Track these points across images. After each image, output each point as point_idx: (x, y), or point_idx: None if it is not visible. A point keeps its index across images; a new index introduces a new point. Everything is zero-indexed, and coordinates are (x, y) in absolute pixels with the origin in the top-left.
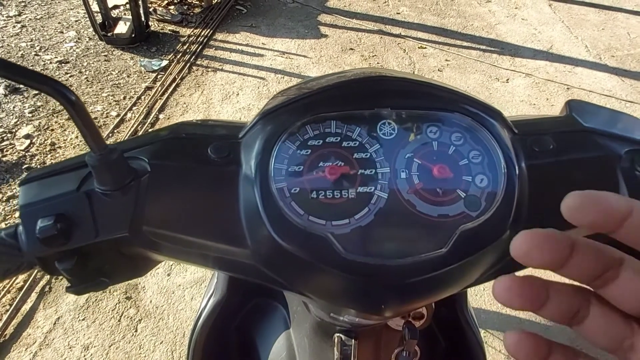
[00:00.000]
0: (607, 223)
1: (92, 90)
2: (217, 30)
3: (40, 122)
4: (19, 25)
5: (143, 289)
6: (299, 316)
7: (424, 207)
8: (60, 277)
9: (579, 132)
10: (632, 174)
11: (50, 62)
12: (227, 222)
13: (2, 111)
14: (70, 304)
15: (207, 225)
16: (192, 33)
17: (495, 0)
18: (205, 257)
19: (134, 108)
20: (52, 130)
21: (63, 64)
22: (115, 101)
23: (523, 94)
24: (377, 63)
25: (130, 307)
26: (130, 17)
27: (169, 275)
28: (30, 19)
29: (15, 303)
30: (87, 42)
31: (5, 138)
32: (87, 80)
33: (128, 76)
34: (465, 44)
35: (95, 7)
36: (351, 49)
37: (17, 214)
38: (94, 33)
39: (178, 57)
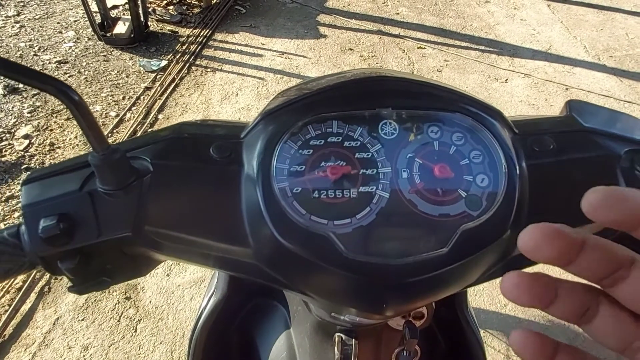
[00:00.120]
0: (629, 220)
1: (91, 91)
2: (216, 30)
3: (39, 122)
4: (17, 25)
5: (142, 289)
6: (300, 316)
7: (425, 207)
8: (60, 278)
9: (578, 132)
10: (631, 174)
11: (49, 62)
12: (229, 221)
13: (1, 111)
14: (69, 304)
15: (209, 224)
16: (191, 33)
17: (494, 1)
18: (207, 256)
19: (133, 108)
20: (51, 130)
21: (62, 64)
22: (114, 101)
23: (522, 94)
24: (376, 63)
25: (130, 308)
26: (129, 17)
27: (168, 275)
28: (29, 19)
29: (14, 303)
30: (86, 42)
31: (4, 138)
32: (86, 81)
33: (127, 76)
34: (464, 44)
35: (94, 7)
36: (350, 49)
37: (16, 214)
38: (93, 33)
39: (177, 57)
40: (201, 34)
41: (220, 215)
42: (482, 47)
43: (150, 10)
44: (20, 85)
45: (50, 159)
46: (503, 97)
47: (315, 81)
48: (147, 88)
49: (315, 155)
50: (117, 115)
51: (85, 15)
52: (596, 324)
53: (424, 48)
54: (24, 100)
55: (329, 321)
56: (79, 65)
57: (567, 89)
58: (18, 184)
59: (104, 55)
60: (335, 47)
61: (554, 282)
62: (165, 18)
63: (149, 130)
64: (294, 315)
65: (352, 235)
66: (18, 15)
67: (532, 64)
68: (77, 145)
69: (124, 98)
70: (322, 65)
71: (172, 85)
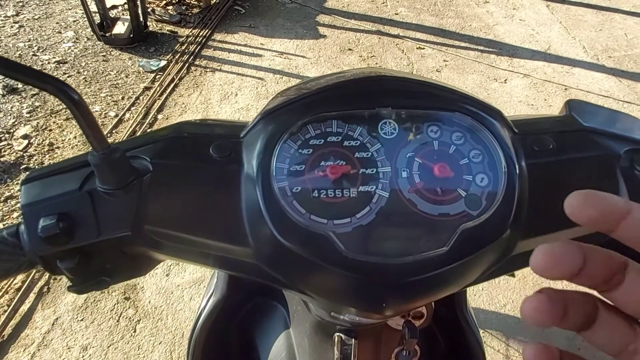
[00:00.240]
0: (606, 221)
1: (91, 91)
2: (216, 30)
3: (38, 123)
4: (16, 25)
5: (142, 289)
6: (299, 316)
7: (424, 206)
8: (59, 278)
9: (578, 132)
10: (631, 173)
11: (48, 62)
12: (229, 221)
13: (0, 111)
14: (68, 304)
15: (209, 224)
16: (190, 33)
17: (493, 1)
18: (207, 256)
19: (132, 108)
20: (50, 130)
21: (61, 64)
22: (113, 101)
23: (521, 95)
24: (376, 63)
25: (129, 308)
26: (128, 17)
27: (167, 275)
28: (28, 19)
29: (13, 304)
30: (85, 42)
31: (3, 138)
32: (86, 81)
33: (126, 76)
34: (463, 44)
35: (93, 7)
36: (350, 49)
37: (15, 215)
38: (92, 33)
39: (176, 57)
40: (200, 34)
41: (220, 215)
42: (482, 48)
43: (149, 10)
44: (19, 85)
45: (49, 159)
46: (502, 98)
47: (315, 81)
48: (147, 88)
49: (315, 154)
50: (117, 116)
51: (85, 16)
52: (594, 330)
53: (423, 48)
54: (23, 100)
55: (328, 321)
56: (78, 65)
57: (566, 89)
58: (17, 184)
59: (103, 56)
60: (335, 47)
61: (563, 298)
62: (165, 18)
63: (148, 130)
64: (294, 315)
65: (351, 234)
66: (17, 15)
67: (531, 64)
68: (77, 145)
69: (123, 98)
70: (322, 65)
71: (172, 86)
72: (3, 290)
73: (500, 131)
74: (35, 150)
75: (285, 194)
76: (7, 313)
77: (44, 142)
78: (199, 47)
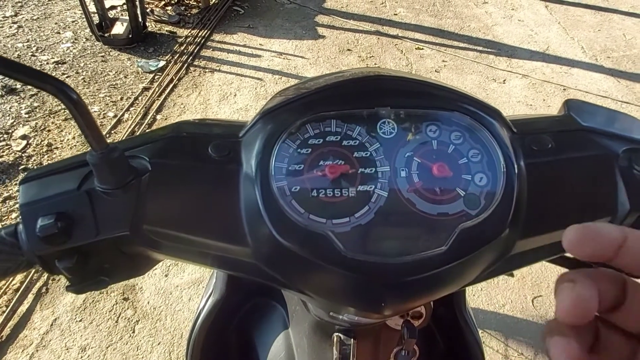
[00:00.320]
0: (604, 254)
1: (89, 91)
2: (215, 31)
3: (36, 123)
4: (15, 25)
5: (140, 290)
6: (298, 316)
7: (423, 206)
8: (58, 279)
9: (577, 131)
10: (629, 173)
11: (47, 63)
12: (228, 220)
13: None
14: (67, 305)
15: (207, 223)
16: (189, 34)
17: (492, 2)
18: (205, 255)
19: (131, 109)
20: (49, 130)
21: (60, 65)
22: (112, 102)
23: (520, 95)
24: (375, 64)
25: (128, 308)
26: (127, 17)
27: (166, 276)
28: (26, 19)
29: (11, 304)
30: (84, 42)
31: (1, 139)
32: (84, 81)
33: (125, 77)
34: (462, 45)
35: (92, 7)
36: (348, 49)
37: (14, 215)
38: (90, 34)
39: (175, 57)
40: (199, 34)
41: (219, 214)
42: (480, 48)
43: (148, 10)
44: (18, 86)
45: (47, 160)
46: (501, 98)
47: (314, 80)
48: (145, 89)
49: (314, 154)
50: (115, 116)
51: (83, 16)
52: (598, 351)
53: (422, 49)
54: (22, 100)
55: (327, 321)
56: (77, 65)
57: (564, 89)
58: (16, 184)
59: (102, 56)
60: (334, 47)
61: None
62: (164, 19)
63: (147, 130)
64: (293, 315)
65: (350, 234)
66: (16, 15)
67: (530, 64)
68: (75, 145)
69: (122, 99)
70: (321, 65)
71: (170, 86)
72: (1, 291)
73: (499, 131)
74: (34, 150)
75: (284, 194)
76: (5, 314)
77: (42, 143)
78: (197, 47)
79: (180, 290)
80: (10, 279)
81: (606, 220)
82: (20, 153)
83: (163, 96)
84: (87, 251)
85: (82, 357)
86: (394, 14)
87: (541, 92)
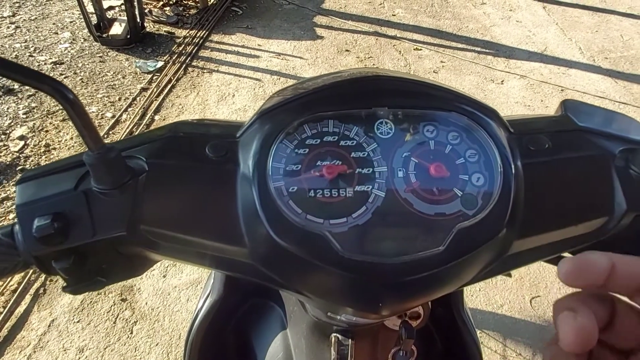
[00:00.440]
0: (597, 282)
1: (87, 92)
2: (213, 31)
3: (34, 124)
4: (13, 26)
5: (138, 291)
6: (296, 316)
7: (421, 206)
8: (56, 280)
9: (573, 132)
10: (626, 173)
11: (45, 63)
12: (225, 221)
13: None
14: (64, 306)
15: (205, 224)
16: (187, 34)
17: (490, 3)
18: (203, 256)
19: (129, 109)
20: (47, 131)
21: (58, 65)
22: (110, 102)
23: (518, 96)
24: (373, 64)
25: (126, 309)
26: (125, 18)
27: (164, 276)
28: (24, 19)
29: (9, 305)
30: (82, 43)
31: None
32: (82, 82)
33: (123, 77)
34: (460, 45)
35: (90, 8)
36: (347, 50)
37: (11, 216)
38: (88, 34)
39: (174, 58)
40: (197, 35)
41: (216, 215)
42: (478, 49)
43: (146, 11)
44: (16, 86)
45: (45, 160)
46: (499, 99)
47: (311, 81)
48: (144, 89)
49: (311, 154)
50: (113, 117)
51: (81, 16)
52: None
53: (421, 49)
54: (19, 101)
55: (325, 321)
56: (75, 66)
57: (562, 90)
58: (13, 185)
59: (100, 56)
60: (332, 48)
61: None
62: (162, 19)
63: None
64: (290, 315)
65: (348, 234)
66: (13, 16)
67: (528, 65)
68: (73, 146)
69: (120, 99)
70: (319, 66)
71: (169, 87)
72: None
73: (496, 131)
74: (32, 151)
75: (281, 194)
76: (2, 315)
77: (40, 143)
78: (196, 48)
79: (178, 291)
80: (7, 279)
81: (603, 221)
82: (17, 154)
83: (161, 97)
84: (83, 252)
85: (79, 358)
86: (392, 15)
87: (539, 92)
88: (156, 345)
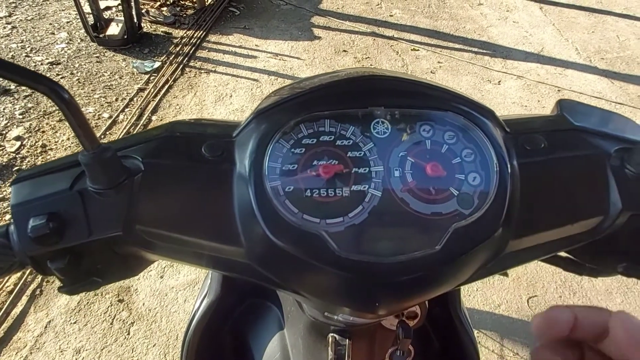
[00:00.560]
0: (563, 333)
1: (84, 92)
2: (210, 32)
3: (31, 124)
4: (9, 26)
5: (136, 292)
6: (293, 316)
7: (417, 205)
8: (52, 281)
9: (569, 131)
10: (621, 172)
11: (41, 64)
12: (221, 220)
13: None
14: (61, 307)
15: (201, 224)
16: (185, 35)
17: (487, 3)
18: (199, 256)
19: (126, 110)
20: (43, 132)
21: (54, 65)
22: (107, 103)
23: (515, 96)
24: (370, 65)
25: (123, 310)
26: (122, 18)
27: (162, 277)
28: (21, 20)
29: (5, 306)
30: (78, 43)
31: None
32: (79, 82)
33: (120, 78)
34: (457, 46)
35: (87, 8)
36: (344, 50)
37: (7, 217)
38: (85, 34)
39: (171, 58)
40: (195, 35)
41: (212, 215)
42: (475, 49)
43: (143, 11)
44: (12, 87)
45: (42, 161)
46: (496, 99)
47: (308, 80)
48: (141, 89)
49: (308, 154)
50: (110, 117)
51: (78, 17)
52: (606, 344)
53: (418, 50)
54: (16, 101)
55: (322, 321)
56: (72, 66)
57: (559, 90)
58: (9, 186)
59: (97, 57)
60: (330, 48)
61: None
62: (159, 19)
63: None
64: (288, 315)
65: (344, 233)
66: (10, 16)
67: (525, 65)
68: (70, 147)
69: (117, 100)
70: (317, 66)
71: (166, 87)
72: None
73: (492, 130)
74: (28, 152)
75: (277, 194)
76: None
77: (36, 144)
78: (193, 48)
79: (175, 291)
80: (3, 280)
81: (599, 220)
82: (14, 154)
83: (158, 97)
84: (79, 252)
85: (76, 359)
86: (390, 15)
87: (536, 93)
88: (153, 346)
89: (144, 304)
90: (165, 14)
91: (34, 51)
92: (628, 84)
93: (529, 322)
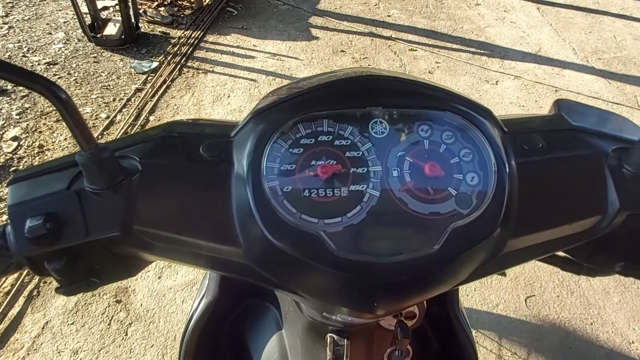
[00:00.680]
0: None
1: (81, 92)
2: (208, 32)
3: (28, 125)
4: (6, 26)
5: (133, 292)
6: (291, 317)
7: (415, 205)
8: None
9: (567, 131)
10: (619, 172)
11: (39, 64)
12: (220, 221)
13: None
14: (59, 308)
15: (199, 224)
16: (182, 35)
17: (484, 4)
18: (197, 256)
19: (123, 110)
20: (41, 132)
21: (51, 66)
22: (104, 103)
23: (512, 96)
24: (368, 65)
25: (121, 311)
26: (119, 18)
27: (159, 277)
28: (17, 20)
29: (2, 308)
30: (76, 43)
31: None
32: (76, 82)
33: (118, 78)
34: (455, 46)
35: (84, 8)
36: (342, 51)
37: (4, 218)
38: (83, 34)
39: (168, 58)
40: (192, 35)
41: (210, 215)
42: (473, 49)
43: (141, 11)
44: (9, 87)
45: (39, 162)
46: (494, 99)
47: (306, 80)
48: (138, 90)
49: (306, 154)
50: (108, 117)
51: (75, 17)
52: None
53: (416, 50)
54: (13, 102)
55: (320, 321)
56: (69, 66)
57: (556, 90)
58: (6, 186)
59: (94, 57)
60: (327, 48)
61: None
62: (156, 19)
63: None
64: (286, 316)
65: (342, 234)
66: (6, 16)
67: (522, 66)
68: (67, 147)
69: (114, 100)
70: (314, 66)
71: (164, 87)
72: None
73: (490, 130)
74: (25, 152)
75: (275, 194)
76: None
77: (33, 144)
78: (191, 48)
79: (173, 292)
80: (0, 281)
81: (596, 219)
82: (11, 155)
83: (156, 97)
84: (76, 252)
85: None
86: (388, 16)
87: (533, 93)
88: (151, 346)
89: (141, 305)
90: (163, 14)
91: (31, 51)
92: (625, 84)
93: (527, 321)
